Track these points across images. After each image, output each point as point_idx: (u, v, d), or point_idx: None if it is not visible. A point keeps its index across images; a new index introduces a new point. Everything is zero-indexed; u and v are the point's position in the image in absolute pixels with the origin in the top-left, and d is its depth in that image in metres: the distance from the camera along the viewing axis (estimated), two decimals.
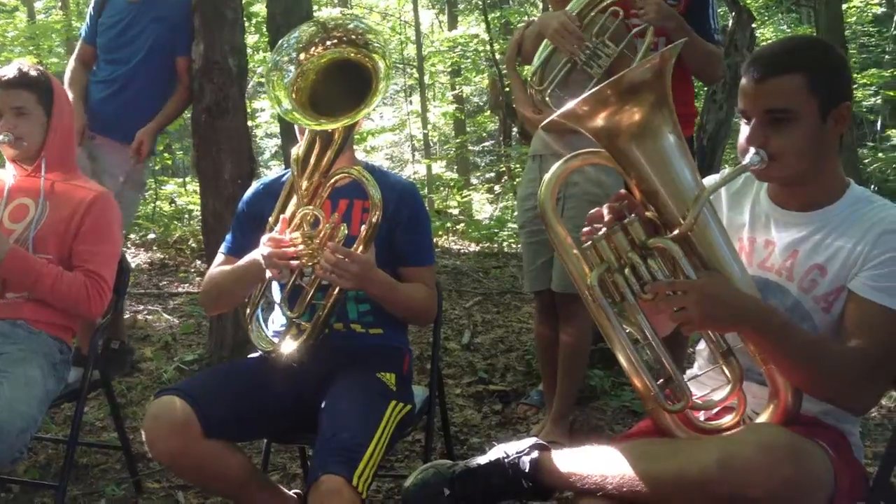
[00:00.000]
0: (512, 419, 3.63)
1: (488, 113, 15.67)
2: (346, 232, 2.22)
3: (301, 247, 2.21)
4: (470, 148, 16.82)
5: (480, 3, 12.43)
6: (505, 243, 8.60)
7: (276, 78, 2.24)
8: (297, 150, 2.27)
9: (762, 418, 1.77)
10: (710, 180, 1.86)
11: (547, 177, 1.87)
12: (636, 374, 1.78)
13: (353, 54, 2.22)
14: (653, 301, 1.70)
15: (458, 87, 14.46)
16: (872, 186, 16.73)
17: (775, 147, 1.78)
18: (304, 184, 2.26)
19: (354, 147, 2.58)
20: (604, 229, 1.75)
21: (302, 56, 2.24)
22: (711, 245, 1.74)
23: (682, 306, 1.66)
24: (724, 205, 1.99)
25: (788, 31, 17.74)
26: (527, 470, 1.76)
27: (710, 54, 3.13)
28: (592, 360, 3.72)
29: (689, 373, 2.05)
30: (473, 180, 15.25)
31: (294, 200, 2.29)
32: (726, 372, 1.78)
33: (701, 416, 1.84)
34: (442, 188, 13.33)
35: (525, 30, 3.25)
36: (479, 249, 8.30)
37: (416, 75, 11.95)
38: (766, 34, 17.42)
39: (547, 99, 3.07)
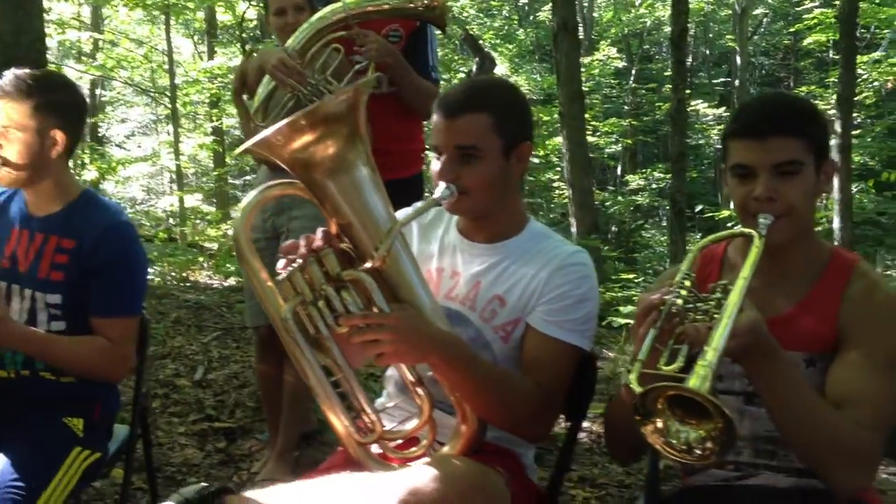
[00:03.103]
0: (235, 457, 3.52)
1: None
2: None
3: None
4: (231, 181, 16.44)
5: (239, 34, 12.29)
6: None
7: None
8: None
9: (449, 447, 1.80)
10: (402, 213, 1.90)
11: (241, 206, 1.84)
12: (330, 407, 1.77)
13: None
14: (347, 334, 1.69)
15: (215, 118, 14.16)
16: (612, 227, 18.00)
17: (465, 182, 1.83)
18: None
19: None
20: (299, 261, 1.73)
21: None
22: (403, 277, 1.76)
23: (375, 339, 1.66)
24: (415, 236, 2.03)
25: (540, 79, 18.78)
26: None
27: (425, 90, 3.22)
28: None
29: (379, 402, 2.06)
30: (234, 213, 14.87)
31: None
32: (417, 401, 1.80)
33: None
34: (198, 221, 12.93)
35: (248, 62, 3.21)
36: (230, 284, 8.08)
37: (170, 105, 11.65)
38: (521, 81, 18.38)
39: None
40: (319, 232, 1.75)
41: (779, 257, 1.75)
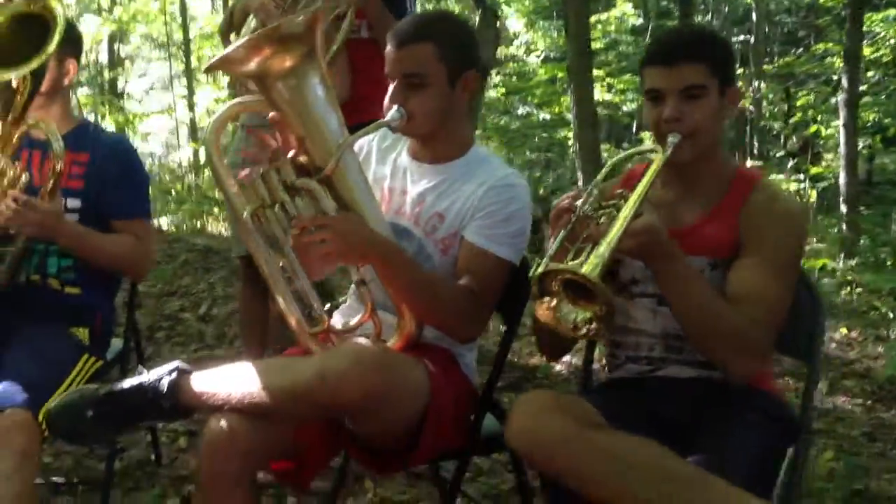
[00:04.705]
0: None
1: None
2: (27, 179, 2.29)
3: None
4: None
5: None
6: None
7: None
8: None
9: (390, 343, 2.01)
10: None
11: (213, 119, 2.04)
12: (283, 301, 1.99)
13: (26, 6, 2.26)
14: (298, 235, 1.89)
15: None
16: None
17: (411, 106, 2.02)
18: None
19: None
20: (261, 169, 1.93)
21: None
22: (351, 189, 1.97)
23: (322, 239, 1.87)
24: (373, 159, 2.23)
25: (556, 35, 18.77)
26: (165, 391, 1.86)
27: None
28: None
29: (344, 306, 2.27)
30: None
31: None
32: (362, 299, 2.00)
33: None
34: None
35: (237, 4, 3.38)
36: None
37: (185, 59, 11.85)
38: (536, 38, 18.38)
39: None
40: (275, 143, 1.96)
41: (688, 174, 1.95)
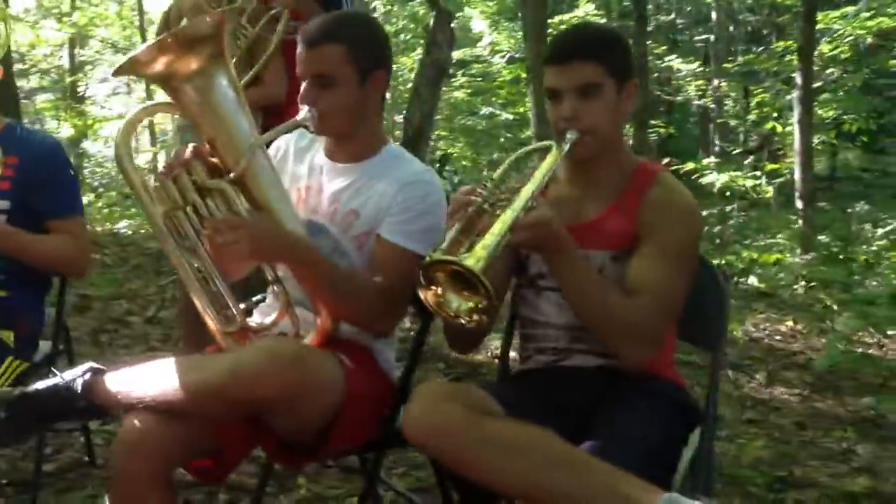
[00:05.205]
0: None
1: None
2: None
3: None
4: None
5: None
6: None
7: None
8: None
9: (307, 339, 2.04)
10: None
11: (123, 123, 2.04)
12: (199, 302, 2.01)
13: None
14: (211, 236, 1.90)
15: None
16: None
17: (322, 106, 2.04)
18: None
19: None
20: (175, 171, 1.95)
21: None
22: (263, 189, 1.99)
23: (233, 240, 1.88)
24: (290, 158, 2.25)
25: (521, 36, 18.82)
26: (79, 391, 1.88)
27: None
28: None
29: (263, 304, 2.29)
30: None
31: None
32: (278, 297, 2.04)
33: None
34: None
35: (173, 6, 3.40)
36: None
37: None
38: (500, 39, 18.42)
39: None
40: (190, 146, 1.97)
41: (589, 169, 2.00)
